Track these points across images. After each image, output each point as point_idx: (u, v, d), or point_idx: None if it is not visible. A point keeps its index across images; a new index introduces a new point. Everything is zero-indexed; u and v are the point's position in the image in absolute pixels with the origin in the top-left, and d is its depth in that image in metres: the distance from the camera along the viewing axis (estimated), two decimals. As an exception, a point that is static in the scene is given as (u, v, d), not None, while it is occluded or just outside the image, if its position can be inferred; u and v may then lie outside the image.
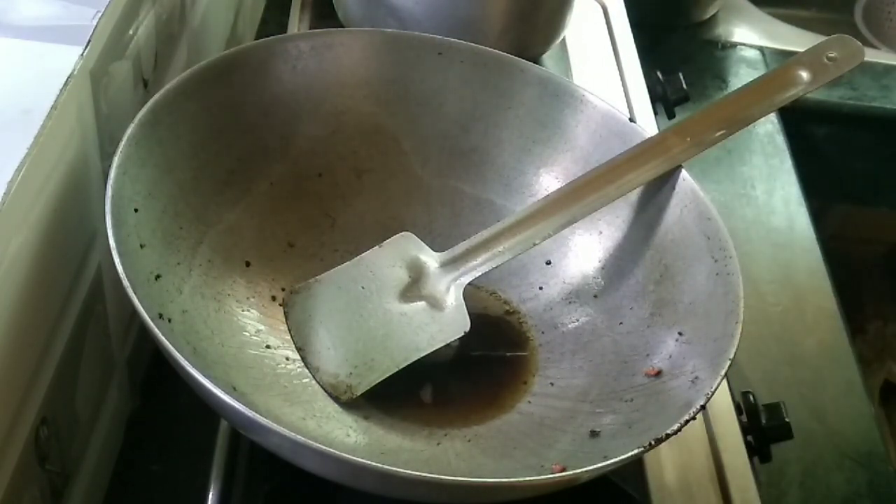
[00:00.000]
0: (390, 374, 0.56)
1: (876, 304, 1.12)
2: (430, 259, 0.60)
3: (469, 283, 0.59)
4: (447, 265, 0.59)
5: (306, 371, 0.57)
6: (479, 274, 0.59)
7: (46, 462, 0.47)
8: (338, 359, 0.57)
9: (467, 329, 0.58)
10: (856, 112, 1.04)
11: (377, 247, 0.60)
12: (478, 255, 0.59)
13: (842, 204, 1.11)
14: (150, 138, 0.54)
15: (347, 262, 0.60)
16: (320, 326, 0.58)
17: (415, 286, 0.59)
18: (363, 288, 0.59)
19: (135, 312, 0.46)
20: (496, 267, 0.59)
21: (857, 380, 0.75)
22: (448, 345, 0.58)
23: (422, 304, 0.59)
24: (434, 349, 0.57)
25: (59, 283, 0.48)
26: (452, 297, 0.58)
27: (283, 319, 0.59)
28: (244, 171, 0.61)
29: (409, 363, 0.57)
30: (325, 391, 0.56)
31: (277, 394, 0.55)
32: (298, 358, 0.58)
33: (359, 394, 0.56)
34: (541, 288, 0.64)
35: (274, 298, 0.60)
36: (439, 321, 0.58)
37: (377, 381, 0.56)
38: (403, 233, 0.61)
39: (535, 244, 0.59)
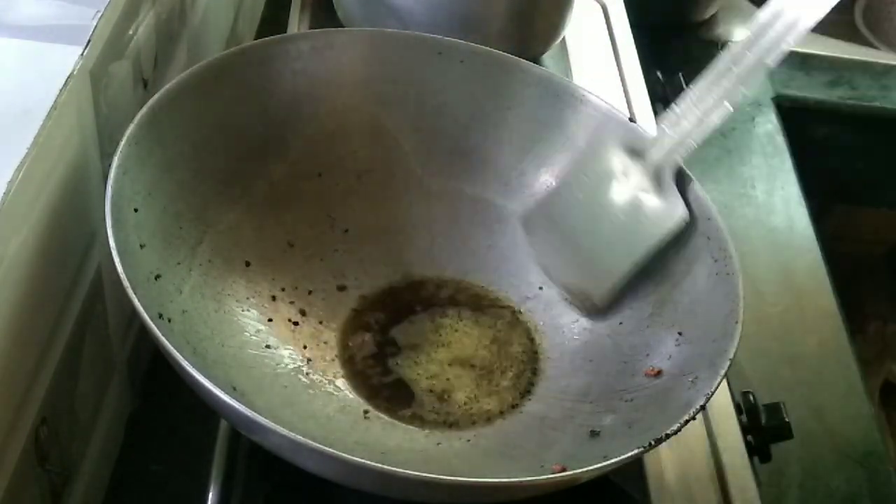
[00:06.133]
0: (628, 276, 0.56)
1: (876, 304, 1.12)
2: (637, 144, 0.57)
3: (468, 282, 0.59)
4: (655, 147, 0.57)
5: (306, 370, 0.57)
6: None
7: (46, 462, 0.47)
8: (574, 272, 0.57)
9: (686, 218, 0.56)
10: (856, 112, 1.04)
11: (587, 147, 0.59)
12: (687, 122, 0.56)
13: (842, 204, 1.11)
14: (150, 138, 0.54)
15: (561, 182, 0.59)
16: (557, 247, 0.58)
17: (626, 179, 0.57)
18: (579, 198, 0.58)
19: (135, 312, 0.46)
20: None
21: (857, 380, 0.75)
22: (448, 344, 0.58)
23: (637, 195, 0.57)
24: (657, 242, 0.56)
25: (59, 283, 0.48)
26: (665, 183, 0.56)
27: (283, 319, 0.59)
28: (244, 171, 0.61)
29: (640, 261, 0.56)
30: (571, 304, 0.56)
31: (277, 394, 0.55)
32: (299, 357, 0.58)
33: (603, 304, 0.55)
34: (541, 288, 0.64)
35: (274, 298, 0.60)
36: (656, 212, 0.56)
37: (618, 287, 0.56)
38: (608, 126, 0.59)
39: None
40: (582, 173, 0.58)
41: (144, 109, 0.54)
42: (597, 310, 0.57)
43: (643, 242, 0.57)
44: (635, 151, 0.57)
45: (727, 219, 0.58)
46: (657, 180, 0.57)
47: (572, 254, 0.57)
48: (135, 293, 0.46)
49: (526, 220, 0.61)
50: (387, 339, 0.61)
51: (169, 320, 0.52)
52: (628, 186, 0.57)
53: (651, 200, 0.57)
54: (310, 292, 0.61)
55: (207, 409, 0.47)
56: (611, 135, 0.59)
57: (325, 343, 0.60)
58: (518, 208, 0.65)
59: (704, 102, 0.56)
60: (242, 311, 0.58)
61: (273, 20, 0.90)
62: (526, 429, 0.57)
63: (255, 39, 0.69)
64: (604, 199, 0.57)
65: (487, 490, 0.47)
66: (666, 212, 0.57)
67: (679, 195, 0.56)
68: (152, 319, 0.46)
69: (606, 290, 0.56)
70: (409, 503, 0.49)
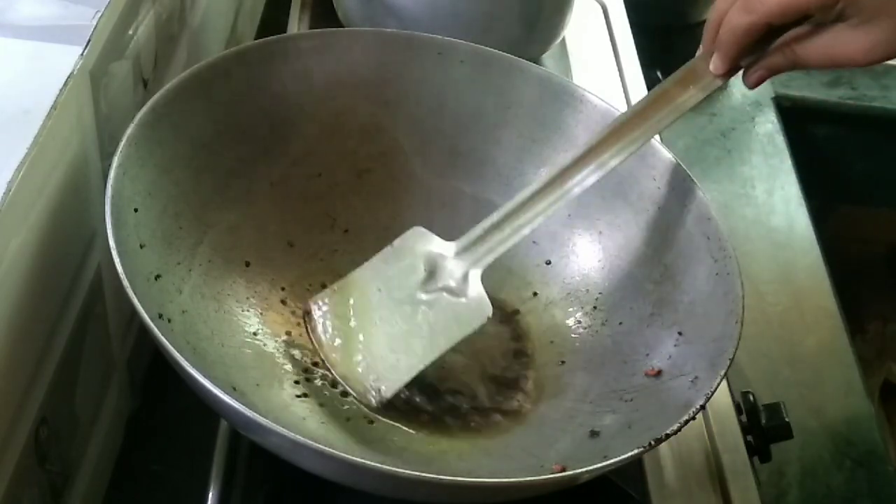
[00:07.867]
0: (417, 372, 0.55)
1: (876, 304, 1.12)
2: (445, 249, 0.58)
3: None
4: (462, 253, 0.58)
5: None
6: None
7: (46, 462, 0.47)
8: (363, 366, 0.56)
9: (489, 315, 0.56)
10: (856, 112, 1.04)
11: (389, 246, 0.59)
12: (491, 237, 0.58)
13: (842, 204, 1.11)
14: (150, 138, 0.54)
15: (361, 267, 0.59)
16: (343, 336, 0.58)
17: (432, 280, 0.58)
18: (379, 290, 0.58)
19: (135, 312, 0.46)
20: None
21: (857, 380, 0.75)
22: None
23: (442, 295, 0.57)
24: (459, 340, 0.56)
25: (59, 283, 0.48)
26: (471, 285, 0.57)
27: (282, 318, 0.59)
28: (244, 171, 0.61)
29: (435, 358, 0.56)
30: (357, 400, 0.56)
31: (277, 394, 0.55)
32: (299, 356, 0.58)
33: (389, 397, 0.55)
34: (541, 288, 0.64)
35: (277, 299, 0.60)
36: (461, 311, 0.57)
37: (405, 382, 0.55)
38: (414, 228, 0.59)
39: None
40: (384, 269, 0.58)
41: (144, 109, 0.54)
42: (378, 402, 0.55)
43: (441, 343, 0.56)
44: (443, 255, 0.58)
45: (727, 219, 0.58)
46: (463, 283, 0.57)
47: (363, 345, 0.57)
48: (135, 293, 0.46)
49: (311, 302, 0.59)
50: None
51: (169, 320, 0.52)
52: (432, 287, 0.57)
53: (455, 302, 0.57)
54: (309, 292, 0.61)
55: (207, 409, 0.47)
56: (419, 237, 0.59)
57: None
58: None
59: (512, 221, 0.57)
60: (242, 311, 0.58)
61: (273, 20, 0.90)
62: (526, 429, 0.57)
63: (255, 39, 0.69)
64: (404, 297, 0.57)
65: (487, 490, 0.47)
66: (470, 313, 0.56)
67: (485, 294, 0.56)
68: (152, 319, 0.46)
69: (395, 384, 0.55)
70: (409, 503, 0.49)
